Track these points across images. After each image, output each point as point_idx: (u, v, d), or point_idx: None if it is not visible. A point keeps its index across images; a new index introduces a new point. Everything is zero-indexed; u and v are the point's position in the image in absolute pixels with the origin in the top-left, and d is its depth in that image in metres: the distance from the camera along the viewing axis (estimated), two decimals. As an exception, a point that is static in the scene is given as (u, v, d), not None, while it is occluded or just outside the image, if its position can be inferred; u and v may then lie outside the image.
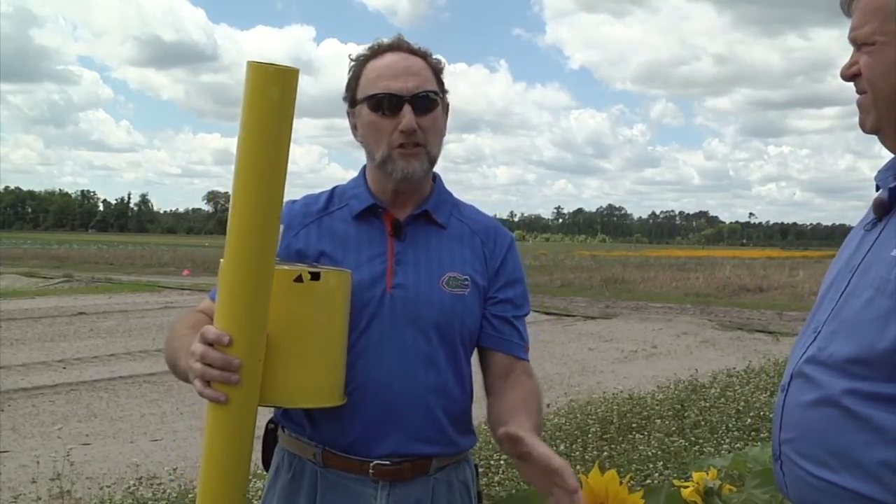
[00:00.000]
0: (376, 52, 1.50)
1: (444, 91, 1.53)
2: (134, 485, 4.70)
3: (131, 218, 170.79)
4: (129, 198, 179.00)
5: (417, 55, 1.50)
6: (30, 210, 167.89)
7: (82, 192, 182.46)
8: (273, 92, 1.18)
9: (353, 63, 1.52)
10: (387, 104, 1.44)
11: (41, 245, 50.32)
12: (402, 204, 1.52)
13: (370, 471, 1.43)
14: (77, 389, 7.94)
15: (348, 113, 1.54)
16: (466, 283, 1.50)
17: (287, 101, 1.20)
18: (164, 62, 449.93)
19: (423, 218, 1.52)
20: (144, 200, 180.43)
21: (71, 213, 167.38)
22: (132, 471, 5.27)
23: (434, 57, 1.52)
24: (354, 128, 1.54)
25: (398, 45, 1.50)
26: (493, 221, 1.62)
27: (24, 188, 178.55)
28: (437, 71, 1.52)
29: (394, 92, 1.44)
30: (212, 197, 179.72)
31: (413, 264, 1.48)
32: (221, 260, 1.27)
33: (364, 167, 1.59)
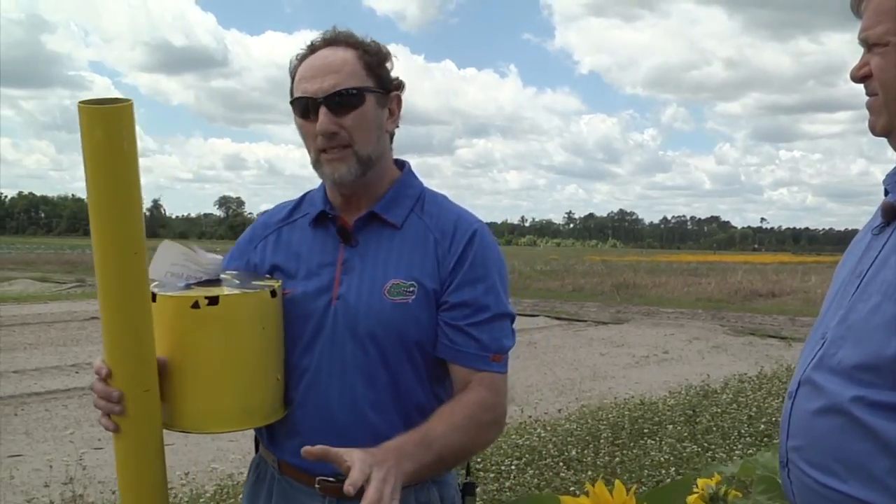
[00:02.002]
0: (310, 50, 1.42)
1: (382, 82, 1.41)
2: (145, 489, 4.72)
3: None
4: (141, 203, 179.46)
5: (350, 47, 1.39)
6: (43, 215, 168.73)
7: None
8: (96, 132, 1.13)
9: (291, 66, 1.44)
10: (305, 108, 1.38)
11: (54, 250, 50.71)
12: (354, 207, 1.44)
13: (316, 485, 1.39)
14: (90, 394, 7.91)
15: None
16: (412, 289, 1.37)
17: (112, 140, 1.14)
18: (175, 67, 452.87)
19: (374, 220, 1.43)
20: (157, 205, 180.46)
21: (84, 218, 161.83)
22: (144, 475, 5.28)
23: (371, 45, 1.41)
24: None
25: (331, 40, 1.41)
26: (455, 214, 1.45)
27: (38, 193, 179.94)
28: (370, 62, 1.39)
29: (309, 95, 1.36)
30: (223, 202, 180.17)
31: (359, 273, 1.39)
32: None
33: None
